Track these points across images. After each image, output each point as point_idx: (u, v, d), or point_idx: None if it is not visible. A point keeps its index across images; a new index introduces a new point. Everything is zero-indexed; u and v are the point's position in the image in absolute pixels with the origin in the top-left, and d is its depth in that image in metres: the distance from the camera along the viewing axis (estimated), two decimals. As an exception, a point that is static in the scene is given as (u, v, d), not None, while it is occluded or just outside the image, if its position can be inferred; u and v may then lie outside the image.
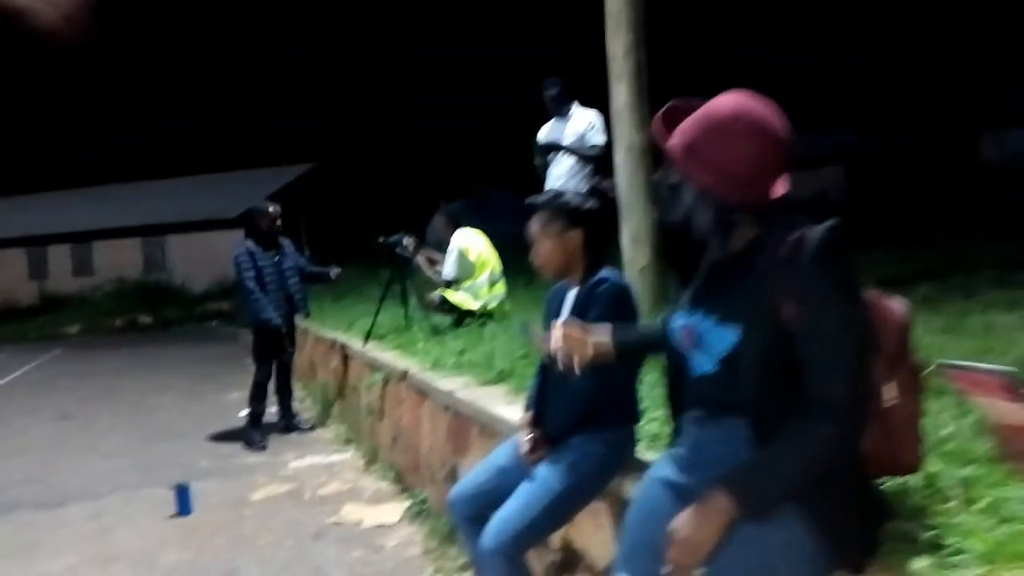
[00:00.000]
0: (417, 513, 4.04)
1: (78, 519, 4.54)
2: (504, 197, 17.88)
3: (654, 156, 4.27)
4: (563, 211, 2.39)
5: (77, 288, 25.20)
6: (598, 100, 4.79)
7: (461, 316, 5.46)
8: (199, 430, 6.68)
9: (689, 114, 1.59)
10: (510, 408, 3.22)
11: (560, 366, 1.98)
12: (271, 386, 6.11)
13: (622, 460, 2.27)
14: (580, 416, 2.25)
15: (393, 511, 4.14)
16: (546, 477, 2.20)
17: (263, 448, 5.79)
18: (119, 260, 25.72)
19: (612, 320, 2.24)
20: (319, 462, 5.37)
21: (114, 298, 23.93)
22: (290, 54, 29.54)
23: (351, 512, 4.23)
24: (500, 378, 3.74)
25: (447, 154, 23.25)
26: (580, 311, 2.30)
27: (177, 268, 25.46)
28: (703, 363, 1.61)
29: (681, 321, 1.68)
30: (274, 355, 6.01)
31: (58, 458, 6.13)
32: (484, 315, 5.32)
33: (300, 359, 8.77)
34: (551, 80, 5.42)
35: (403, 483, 4.55)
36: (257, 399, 5.99)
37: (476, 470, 2.50)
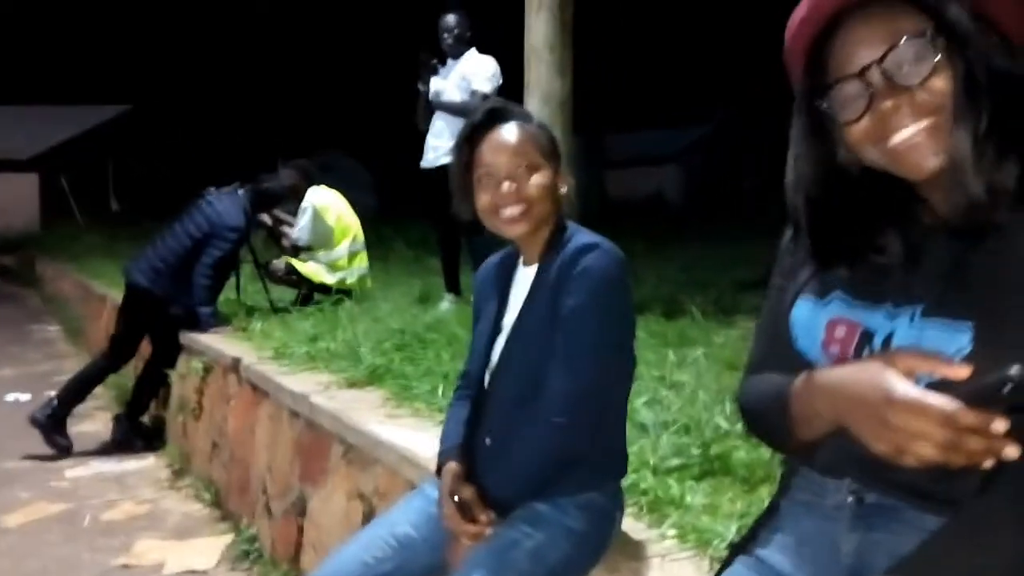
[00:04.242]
0: (242, 555, 3.01)
1: None
2: (351, 165, 16.52)
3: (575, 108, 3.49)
4: (547, 133, 1.54)
5: None
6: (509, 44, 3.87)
7: (310, 291, 4.44)
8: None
9: None
10: (390, 425, 2.34)
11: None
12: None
13: (606, 539, 1.46)
14: (550, 468, 1.40)
15: (208, 550, 3.08)
16: (494, 573, 1.33)
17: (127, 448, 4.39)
18: None
19: (599, 314, 1.41)
20: (107, 471, 4.12)
21: None
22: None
23: (148, 549, 3.12)
24: (372, 378, 2.82)
25: (286, 111, 21.16)
26: (548, 299, 1.45)
27: (-47, 213, 21.63)
28: None
29: (830, 312, 0.93)
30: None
31: None
32: (340, 292, 4.33)
33: (95, 330, 7.26)
34: (452, 13, 4.42)
35: (223, 508, 3.48)
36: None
37: (361, 539, 1.57)
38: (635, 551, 1.48)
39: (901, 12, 0.86)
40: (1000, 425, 0.71)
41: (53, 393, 4.52)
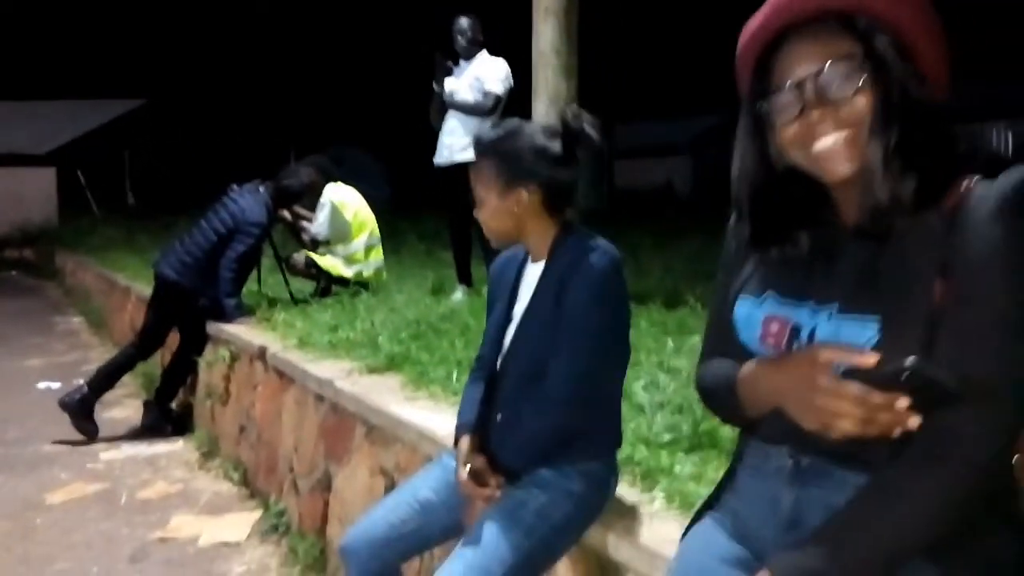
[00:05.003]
0: (271, 529, 3.23)
1: None
2: (363, 159, 16.69)
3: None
4: (509, 157, 1.69)
5: None
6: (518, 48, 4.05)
7: (329, 283, 4.65)
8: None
9: None
10: (409, 407, 2.54)
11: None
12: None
13: (603, 502, 1.65)
14: (554, 440, 1.60)
15: (239, 524, 3.30)
16: (503, 532, 1.53)
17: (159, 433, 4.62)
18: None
19: (598, 308, 1.61)
20: (139, 453, 4.36)
21: None
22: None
23: (183, 524, 3.34)
24: (391, 365, 3.02)
25: (299, 105, 21.37)
26: (553, 293, 1.64)
27: (-30, 207, 21.93)
28: None
29: (765, 310, 1.10)
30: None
31: None
32: (358, 284, 4.54)
33: (119, 321, 7.51)
34: (465, 16, 4.59)
35: (251, 487, 3.70)
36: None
37: (387, 504, 1.78)
38: (628, 512, 1.67)
39: (838, 36, 1.00)
40: (903, 402, 0.90)
41: (83, 381, 4.76)
